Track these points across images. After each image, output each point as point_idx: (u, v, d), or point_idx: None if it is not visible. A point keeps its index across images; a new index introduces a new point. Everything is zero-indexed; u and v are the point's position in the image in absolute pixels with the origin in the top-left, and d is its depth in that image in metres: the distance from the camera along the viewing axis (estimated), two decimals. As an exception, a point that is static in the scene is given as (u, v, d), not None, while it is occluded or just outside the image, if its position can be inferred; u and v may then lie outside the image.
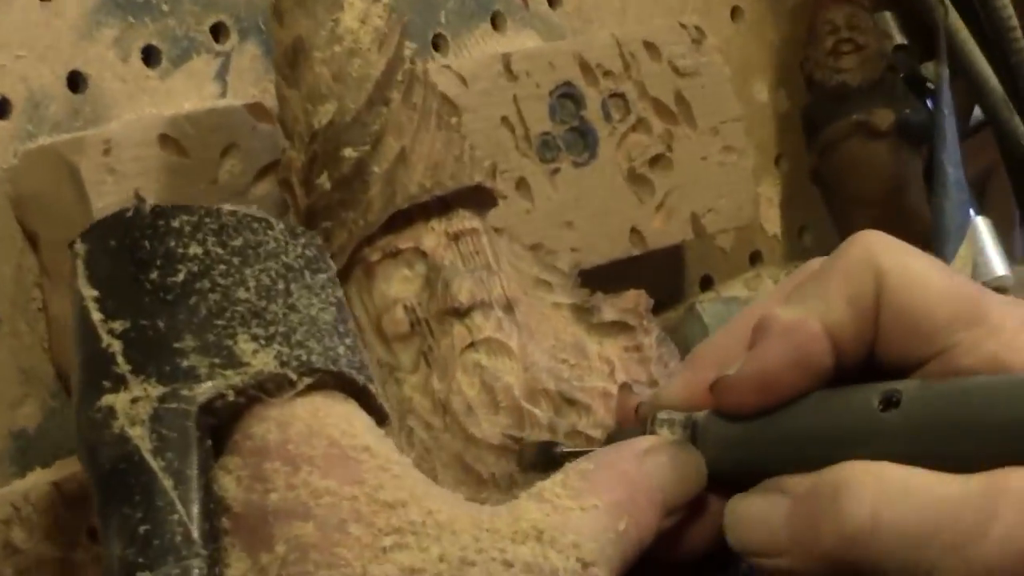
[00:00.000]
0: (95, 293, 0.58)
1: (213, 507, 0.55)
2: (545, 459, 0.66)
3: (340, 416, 0.59)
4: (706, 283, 1.06)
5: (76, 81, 0.79)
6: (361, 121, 0.72)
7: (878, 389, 0.56)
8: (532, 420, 0.71)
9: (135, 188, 0.75)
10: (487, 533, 0.56)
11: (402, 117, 0.72)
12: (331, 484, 0.56)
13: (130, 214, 0.60)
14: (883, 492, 0.54)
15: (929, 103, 1.08)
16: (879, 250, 0.58)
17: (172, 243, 0.59)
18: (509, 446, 0.70)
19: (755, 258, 1.11)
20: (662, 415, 0.62)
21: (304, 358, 0.59)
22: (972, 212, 1.03)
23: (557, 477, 0.59)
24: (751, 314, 0.62)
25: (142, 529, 0.54)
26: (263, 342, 0.58)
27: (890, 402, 0.55)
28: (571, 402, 0.72)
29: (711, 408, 0.60)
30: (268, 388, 0.58)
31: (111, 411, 0.56)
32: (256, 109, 0.80)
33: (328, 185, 0.72)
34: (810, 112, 1.10)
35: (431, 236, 0.73)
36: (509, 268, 0.75)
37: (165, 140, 0.77)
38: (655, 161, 0.95)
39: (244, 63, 0.85)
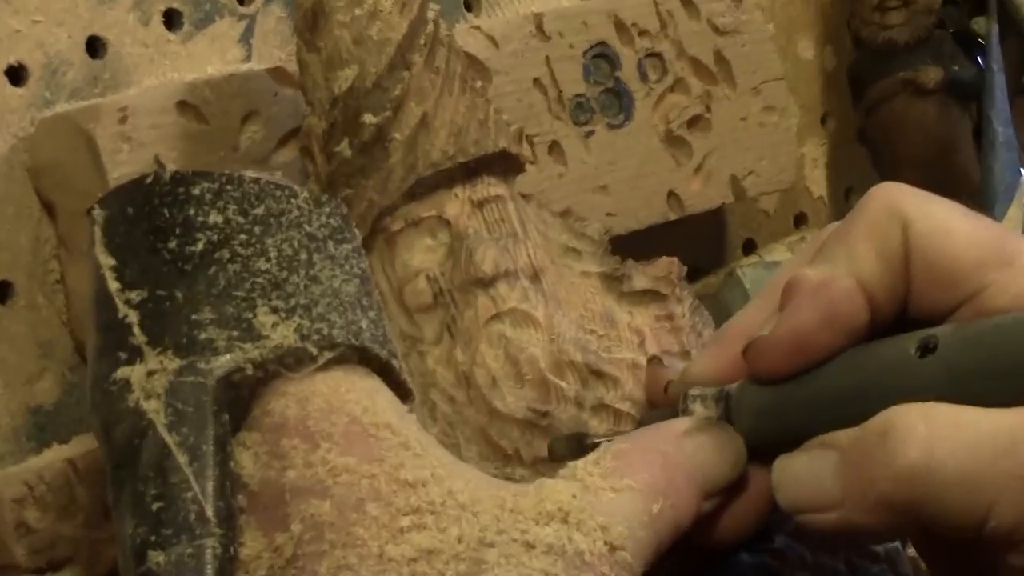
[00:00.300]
0: (112, 261, 0.57)
1: (230, 484, 0.54)
2: (576, 450, 0.64)
3: (362, 392, 0.57)
4: (749, 247, 1.04)
5: (95, 46, 0.78)
6: (382, 86, 0.70)
7: (913, 337, 0.55)
8: (558, 393, 0.69)
9: (155, 154, 0.74)
10: (509, 513, 0.54)
11: (424, 82, 0.70)
12: (350, 462, 0.54)
13: (149, 180, 0.58)
14: (935, 428, 0.52)
15: (979, 60, 1.05)
16: (901, 200, 0.57)
17: (192, 211, 0.57)
18: (534, 420, 0.68)
19: (800, 220, 1.08)
20: (694, 391, 0.60)
21: (325, 332, 0.57)
22: (1023, 172, 1.00)
23: (591, 456, 0.57)
24: (777, 284, 0.60)
25: (155, 506, 0.52)
26: (283, 315, 0.56)
27: (927, 348, 0.54)
28: (599, 374, 0.70)
29: (744, 377, 0.59)
30: (288, 363, 0.56)
31: (127, 384, 0.54)
32: (278, 73, 0.78)
33: (348, 152, 0.70)
34: (856, 70, 1.08)
35: (454, 204, 0.71)
36: (536, 235, 0.73)
37: (184, 107, 0.75)
38: (693, 122, 0.93)
39: (269, 25, 0.83)
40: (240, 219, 0.58)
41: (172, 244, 0.57)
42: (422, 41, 0.71)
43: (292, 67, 0.78)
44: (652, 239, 0.91)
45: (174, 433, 0.53)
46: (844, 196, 1.11)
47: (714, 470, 0.58)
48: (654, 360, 0.69)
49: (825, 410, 0.56)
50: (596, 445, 0.62)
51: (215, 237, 0.57)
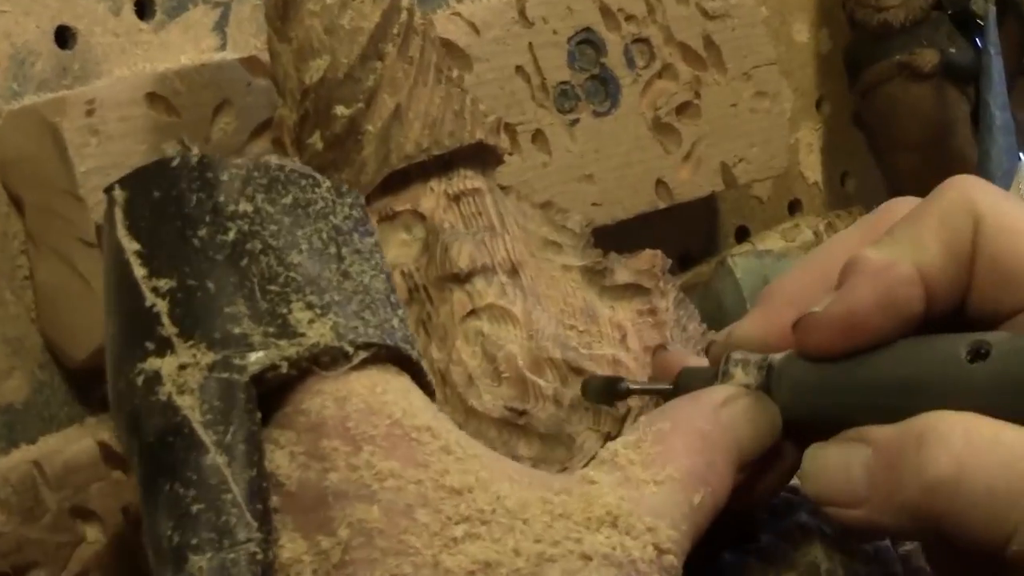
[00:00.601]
0: (137, 246, 0.54)
1: (265, 485, 0.52)
2: (610, 392, 0.65)
3: (398, 392, 0.55)
4: (742, 234, 1.02)
5: (64, 36, 0.76)
6: (354, 77, 0.68)
7: (966, 339, 0.53)
8: (536, 391, 0.67)
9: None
10: (560, 520, 0.53)
11: (397, 72, 0.69)
12: (394, 466, 0.53)
13: (176, 163, 0.55)
14: (970, 443, 0.51)
15: (977, 42, 1.03)
16: (976, 194, 0.56)
17: (221, 198, 0.55)
18: (511, 419, 0.66)
19: (794, 207, 1.07)
20: (736, 355, 0.59)
21: (361, 330, 0.55)
22: (1022, 156, 0.98)
23: (631, 438, 0.56)
24: (829, 252, 0.59)
25: (195, 509, 0.50)
26: (319, 311, 0.54)
27: (978, 354, 0.53)
28: (578, 371, 0.68)
29: (790, 349, 0.57)
30: (323, 361, 0.54)
31: (156, 376, 0.52)
32: (252, 63, 0.77)
33: (320, 145, 0.68)
34: (851, 53, 1.06)
35: (430, 197, 0.69)
36: (516, 229, 0.71)
37: (153, 99, 0.73)
38: (682, 109, 0.91)
39: (245, 13, 0.81)
40: (269, 208, 0.56)
41: (203, 232, 0.54)
42: (395, 31, 0.69)
43: (266, 56, 0.76)
44: (641, 227, 0.90)
45: (210, 431, 0.51)
46: (840, 181, 1.10)
47: (750, 442, 0.57)
48: (660, 348, 0.68)
49: (865, 397, 0.55)
50: (629, 392, 0.63)
51: (246, 227, 0.55)
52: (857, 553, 0.63)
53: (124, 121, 0.72)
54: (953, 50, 1.02)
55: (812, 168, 1.07)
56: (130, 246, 0.54)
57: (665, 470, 0.54)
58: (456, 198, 0.69)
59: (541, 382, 0.67)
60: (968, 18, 1.05)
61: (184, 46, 0.79)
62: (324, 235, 0.56)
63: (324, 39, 0.68)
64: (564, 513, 0.53)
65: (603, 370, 0.69)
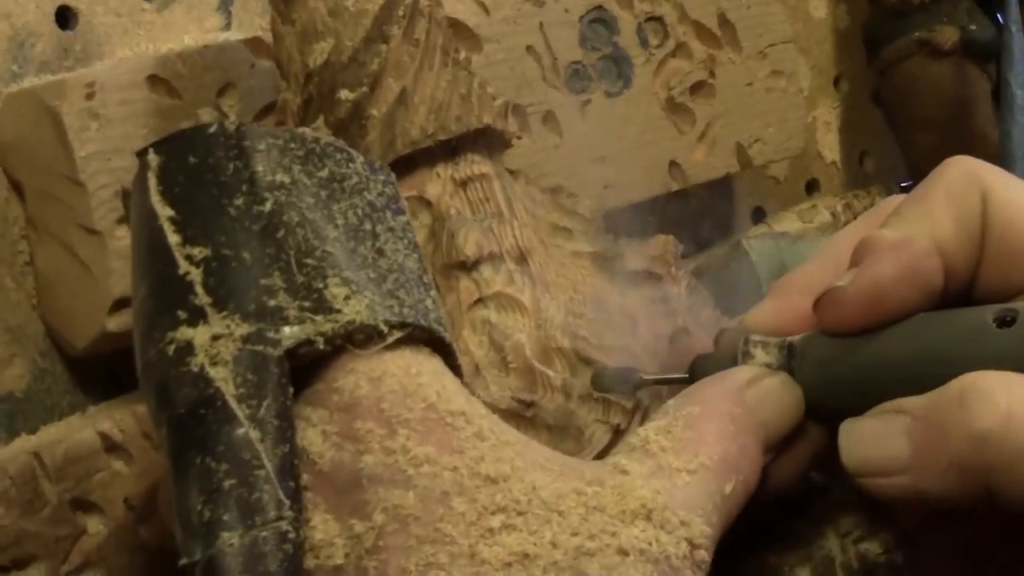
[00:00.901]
0: (171, 212, 0.53)
1: (295, 462, 0.51)
2: (623, 384, 0.64)
3: (432, 375, 0.55)
4: (758, 215, 1.01)
5: (65, 16, 0.74)
6: (358, 60, 0.66)
7: (991, 309, 0.53)
8: (544, 382, 0.66)
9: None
10: (595, 512, 0.52)
11: (403, 55, 0.67)
12: (430, 451, 0.52)
13: (213, 130, 0.54)
14: (1014, 395, 0.51)
15: (998, 18, 1.01)
16: (981, 171, 0.57)
17: (259, 167, 0.54)
18: (519, 410, 0.65)
19: (811, 187, 1.05)
20: (755, 337, 0.58)
21: (396, 309, 0.54)
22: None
23: (661, 422, 0.55)
24: (840, 243, 0.59)
25: (227, 484, 0.49)
26: (354, 288, 0.53)
27: (1005, 321, 0.53)
28: (587, 361, 0.67)
29: (812, 328, 0.57)
30: (358, 339, 0.53)
31: (188, 346, 0.51)
32: (255, 44, 0.75)
33: (325, 130, 0.66)
34: (870, 30, 1.04)
35: (436, 183, 0.68)
36: (524, 215, 0.70)
37: (155, 81, 0.72)
38: (696, 89, 0.89)
39: (251, -9, 0.80)
40: (306, 180, 0.54)
41: (239, 201, 0.53)
42: (401, 12, 0.67)
43: (271, 38, 0.75)
44: (656, 209, 0.88)
45: (243, 405, 0.50)
46: (859, 160, 1.08)
47: (775, 423, 0.57)
48: (681, 331, 0.66)
49: (893, 369, 0.55)
50: (644, 383, 0.63)
51: (283, 198, 0.53)
52: (871, 547, 0.63)
53: (125, 104, 0.71)
54: (973, 27, 1.00)
55: (830, 147, 1.06)
56: (164, 212, 0.53)
57: (698, 458, 0.54)
58: (463, 183, 0.68)
59: (549, 372, 0.66)
60: (989, -7, 1.03)
61: (188, 26, 0.78)
62: (359, 211, 0.55)
63: (328, 21, 0.66)
64: (599, 505, 0.52)
65: (612, 360, 0.67)
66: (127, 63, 0.72)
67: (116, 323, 0.70)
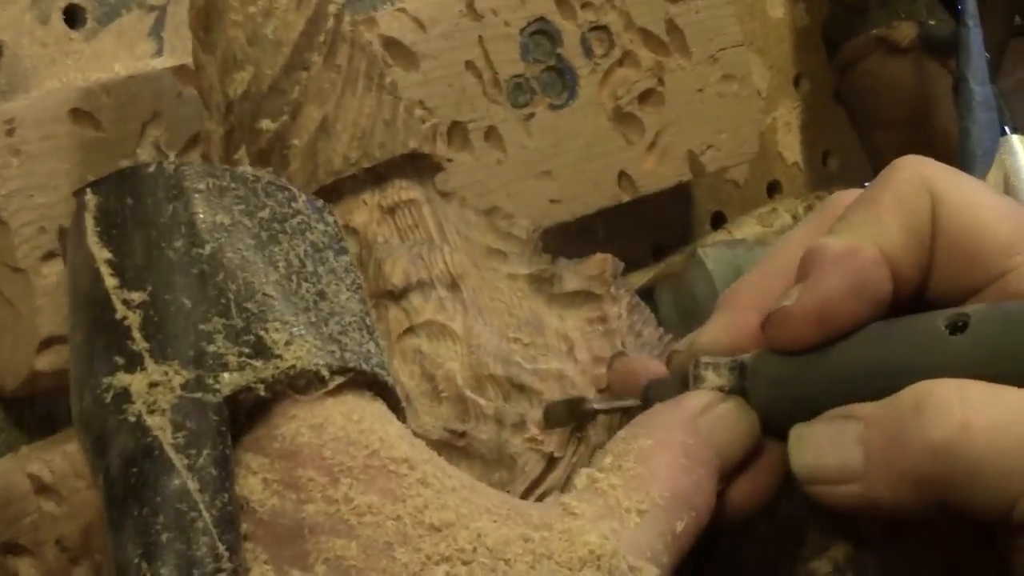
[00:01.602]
0: (108, 255, 0.52)
1: (234, 512, 0.50)
2: (573, 416, 0.64)
3: (375, 420, 0.53)
4: (717, 220, 0.99)
5: (-10, 50, 0.73)
6: (279, 89, 0.65)
7: (943, 315, 0.52)
8: (476, 411, 0.64)
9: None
10: (543, 560, 0.51)
11: (324, 82, 0.66)
12: (373, 501, 0.51)
13: (152, 170, 0.53)
14: (971, 404, 0.50)
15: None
16: (930, 173, 0.55)
17: (198, 209, 0.52)
18: (451, 440, 0.64)
19: (773, 189, 1.03)
20: (705, 359, 0.57)
21: (338, 354, 0.53)
22: (1008, 129, 0.95)
23: (609, 460, 0.54)
24: (782, 252, 0.58)
25: (164, 537, 0.48)
26: (295, 332, 0.52)
27: (957, 326, 0.52)
28: (521, 388, 0.65)
29: (761, 347, 0.56)
30: (298, 385, 0.52)
31: (125, 393, 0.50)
32: (183, 72, 0.74)
33: (247, 161, 0.65)
34: (829, 27, 1.02)
35: (363, 211, 0.67)
36: (457, 239, 0.68)
37: (77, 114, 0.71)
38: (644, 97, 0.88)
39: (181, 16, 0.78)
40: (247, 221, 0.53)
41: (178, 244, 0.52)
42: (321, 39, 0.66)
43: (200, 64, 0.74)
44: (611, 219, 0.87)
45: (181, 455, 0.49)
46: (822, 160, 1.06)
47: (729, 450, 0.56)
48: (619, 355, 0.65)
49: (847, 383, 0.54)
50: (594, 413, 0.63)
51: (223, 240, 0.52)
52: (820, 565, 0.62)
53: (47, 140, 0.69)
54: (932, 23, 0.99)
55: (791, 148, 1.04)
56: (101, 254, 0.52)
57: (649, 495, 0.53)
58: (390, 210, 0.67)
59: (482, 401, 0.65)
60: (949, -13, 1.01)
61: (118, 54, 0.76)
62: (301, 252, 0.54)
63: (248, 50, 0.65)
64: (547, 552, 0.51)
65: (548, 385, 0.66)
66: (49, 96, 0.71)
67: (45, 362, 0.69)
